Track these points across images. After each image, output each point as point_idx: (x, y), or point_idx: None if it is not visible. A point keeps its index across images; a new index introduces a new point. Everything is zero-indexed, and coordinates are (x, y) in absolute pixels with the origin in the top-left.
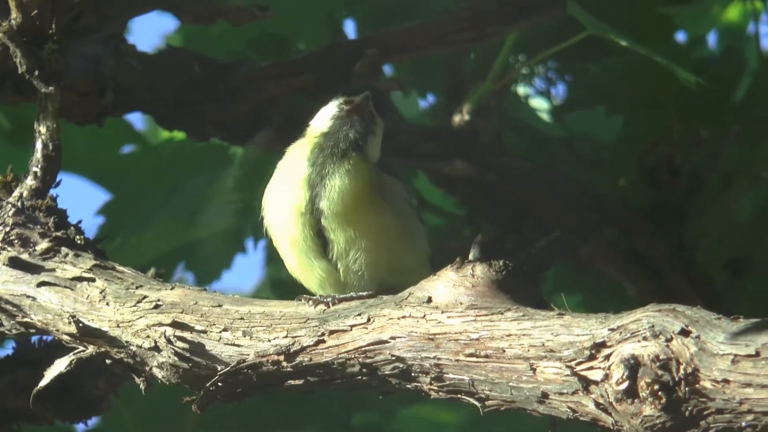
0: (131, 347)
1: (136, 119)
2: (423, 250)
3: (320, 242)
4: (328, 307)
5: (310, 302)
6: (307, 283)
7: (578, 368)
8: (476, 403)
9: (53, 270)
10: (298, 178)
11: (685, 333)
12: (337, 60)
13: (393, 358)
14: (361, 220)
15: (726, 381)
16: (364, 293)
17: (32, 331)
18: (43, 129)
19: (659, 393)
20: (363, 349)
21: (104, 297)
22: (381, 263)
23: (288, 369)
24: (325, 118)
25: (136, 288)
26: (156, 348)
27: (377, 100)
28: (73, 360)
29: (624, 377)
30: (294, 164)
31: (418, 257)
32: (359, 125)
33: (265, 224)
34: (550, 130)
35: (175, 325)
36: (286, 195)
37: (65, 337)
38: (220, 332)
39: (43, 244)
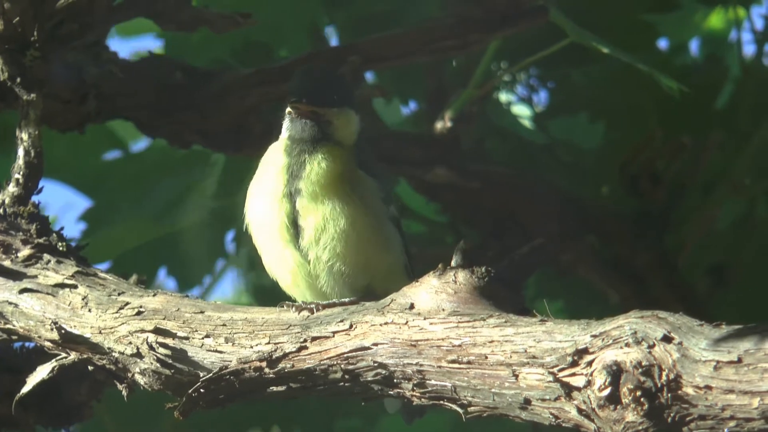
0: (113, 354)
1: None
2: (397, 253)
3: (295, 232)
4: (312, 313)
5: (293, 309)
6: (282, 277)
7: (561, 374)
8: (459, 409)
9: (35, 277)
10: (278, 167)
11: (667, 339)
12: None
13: (375, 364)
14: (335, 202)
15: (708, 387)
16: (347, 299)
17: (14, 337)
18: (24, 136)
19: (642, 399)
20: (345, 355)
21: (86, 303)
22: (351, 257)
23: (270, 375)
24: (285, 122)
25: (119, 294)
26: (138, 354)
27: (317, 94)
28: (55, 366)
29: (606, 383)
30: (273, 158)
31: (392, 259)
32: (308, 126)
33: (246, 220)
34: (532, 136)
35: (157, 331)
36: (266, 184)
37: (47, 344)
38: (203, 339)
39: (25, 251)
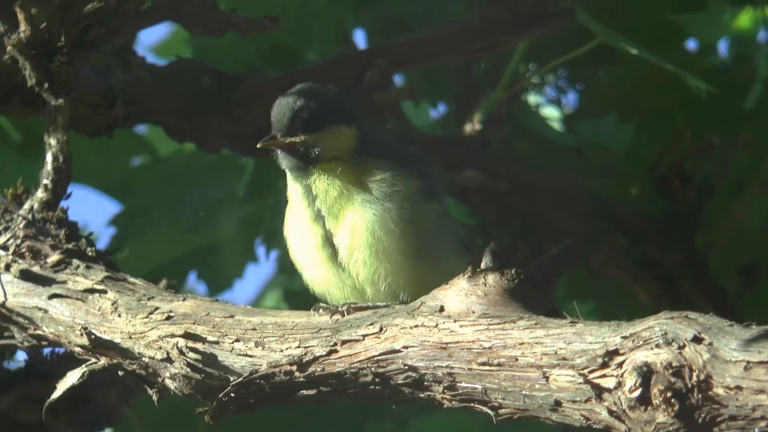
0: (143, 359)
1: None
2: (447, 252)
3: (332, 252)
4: (342, 316)
5: (322, 312)
6: (331, 296)
7: (591, 376)
8: (489, 411)
9: (65, 282)
10: (297, 195)
11: (697, 340)
12: (348, 70)
13: (406, 367)
14: (353, 216)
15: (739, 388)
16: (381, 304)
17: (44, 343)
18: (53, 141)
19: (672, 400)
20: (376, 358)
21: (116, 308)
22: (383, 267)
23: (301, 379)
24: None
25: (148, 299)
26: (168, 359)
27: (293, 123)
28: (85, 372)
29: (637, 385)
30: (291, 187)
31: (431, 261)
32: (292, 156)
33: (288, 246)
34: (561, 138)
35: (187, 336)
36: (296, 210)
37: (77, 349)
38: (233, 343)
39: (55, 257)
